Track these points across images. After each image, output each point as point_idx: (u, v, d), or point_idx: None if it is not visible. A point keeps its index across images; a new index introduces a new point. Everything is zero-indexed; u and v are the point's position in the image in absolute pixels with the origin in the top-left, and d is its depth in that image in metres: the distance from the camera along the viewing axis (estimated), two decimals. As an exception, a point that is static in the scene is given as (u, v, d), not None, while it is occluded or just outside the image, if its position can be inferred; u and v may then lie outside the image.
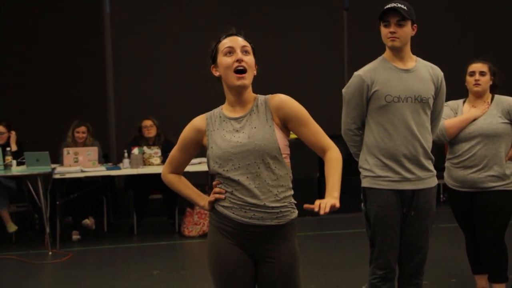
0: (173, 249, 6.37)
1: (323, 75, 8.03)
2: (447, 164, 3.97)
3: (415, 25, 3.10)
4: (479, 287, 4.11)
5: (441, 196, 7.89)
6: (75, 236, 6.59)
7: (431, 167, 3.17)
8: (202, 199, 2.54)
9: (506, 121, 3.78)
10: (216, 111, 2.52)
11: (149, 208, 7.10)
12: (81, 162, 6.41)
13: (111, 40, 8.01)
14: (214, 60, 2.48)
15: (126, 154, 6.51)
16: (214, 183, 2.47)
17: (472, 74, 3.85)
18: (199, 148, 2.52)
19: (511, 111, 3.78)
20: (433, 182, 3.18)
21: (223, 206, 2.41)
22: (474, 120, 3.81)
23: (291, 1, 7.82)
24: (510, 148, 3.81)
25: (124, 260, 5.85)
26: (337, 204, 2.21)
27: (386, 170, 3.09)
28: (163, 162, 6.71)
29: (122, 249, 6.35)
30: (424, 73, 3.14)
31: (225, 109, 2.49)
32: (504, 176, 3.77)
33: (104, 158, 7.10)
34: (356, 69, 3.20)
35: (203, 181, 6.88)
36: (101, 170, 6.46)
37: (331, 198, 2.23)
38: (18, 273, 5.55)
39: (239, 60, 2.36)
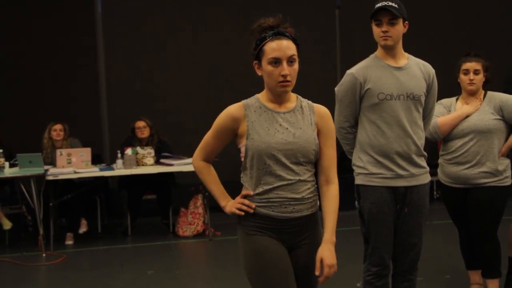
0: (167, 249, 6.36)
1: (315, 73, 8.03)
2: (440, 160, 3.99)
3: (406, 22, 3.11)
4: (472, 283, 4.12)
5: (435, 192, 7.92)
6: (69, 242, 6.55)
7: (424, 164, 3.19)
8: (224, 199, 2.55)
9: (498, 117, 3.80)
10: (253, 100, 2.48)
11: (143, 209, 7.10)
12: (74, 163, 6.39)
13: (103, 40, 7.98)
14: (258, 57, 2.42)
15: (119, 155, 6.49)
16: (244, 193, 2.45)
17: (466, 72, 3.85)
18: (233, 137, 2.49)
19: (503, 107, 3.79)
20: (426, 178, 3.19)
21: (261, 207, 2.41)
22: (467, 117, 3.83)
23: (282, 0, 7.83)
24: (503, 144, 3.83)
25: (119, 260, 5.84)
26: (335, 268, 2.41)
27: (379, 167, 3.10)
28: (156, 162, 6.70)
29: (116, 250, 6.33)
30: (416, 71, 3.15)
31: (264, 100, 2.47)
32: (497, 172, 3.78)
33: (97, 159, 7.08)
34: (349, 68, 3.20)
35: (196, 180, 6.86)
36: (95, 171, 6.45)
37: (330, 255, 2.40)
38: (11, 275, 5.53)
39: (284, 76, 2.34)
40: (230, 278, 5.04)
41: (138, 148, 6.65)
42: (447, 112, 3.93)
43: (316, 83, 7.90)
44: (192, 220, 6.76)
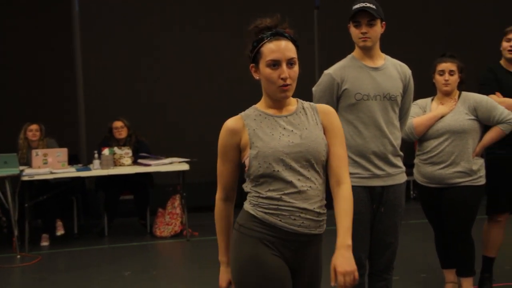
0: (145, 250, 6.34)
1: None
2: (416, 160, 4.03)
3: (384, 22, 3.13)
4: (447, 281, 4.17)
5: (411, 192, 7.99)
6: (44, 243, 6.48)
7: (400, 164, 3.21)
8: (224, 255, 2.39)
9: (473, 117, 3.85)
10: (250, 110, 2.33)
11: (120, 209, 7.04)
12: (50, 164, 6.32)
13: (80, 39, 7.91)
14: (255, 60, 2.27)
15: (96, 155, 6.44)
16: None
17: (442, 73, 3.90)
18: (239, 152, 2.30)
19: (477, 107, 3.84)
20: (402, 178, 3.22)
21: (267, 213, 2.22)
22: (442, 117, 3.87)
23: (261, 0, 7.84)
24: (477, 144, 3.88)
25: (95, 262, 5.80)
26: (354, 269, 2.21)
27: (356, 167, 3.12)
28: (133, 162, 6.67)
29: (92, 251, 6.28)
30: (393, 71, 3.18)
31: (263, 108, 2.31)
32: (471, 172, 3.83)
33: (74, 159, 7.02)
34: (327, 68, 3.22)
35: (174, 180, 6.86)
36: (71, 172, 6.39)
37: (345, 262, 2.19)
38: (-14, 277, 5.47)
39: (284, 79, 2.19)
40: (207, 279, 5.03)
41: (116, 149, 6.61)
42: (423, 112, 3.97)
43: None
44: (169, 221, 6.74)
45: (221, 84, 8.09)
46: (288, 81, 2.19)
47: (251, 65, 2.30)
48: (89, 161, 6.94)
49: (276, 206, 2.21)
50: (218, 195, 2.38)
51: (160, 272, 5.44)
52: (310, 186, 2.22)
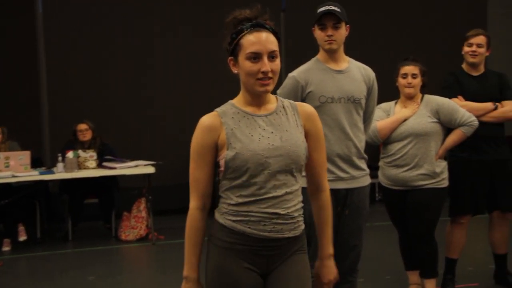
0: (109, 254, 6.25)
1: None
2: (380, 163, 4.06)
3: (348, 26, 3.15)
4: (411, 283, 4.21)
5: (376, 194, 8.06)
6: (6, 248, 6.35)
7: (364, 166, 3.24)
8: (194, 271, 2.19)
9: (435, 120, 3.90)
10: (227, 106, 2.16)
11: (84, 213, 6.95)
12: (12, 167, 6.20)
13: (44, 40, 7.77)
14: (233, 53, 2.11)
15: (60, 158, 6.34)
16: None
17: (405, 76, 3.95)
18: (216, 152, 2.12)
19: (439, 110, 3.89)
20: (366, 181, 3.24)
21: (236, 221, 2.09)
22: (405, 120, 3.92)
23: (229, 1, 7.83)
24: (440, 147, 3.93)
25: (58, 267, 5.71)
26: (336, 275, 2.29)
27: (320, 170, 3.12)
28: (98, 165, 6.58)
29: (56, 256, 6.18)
30: (357, 74, 3.20)
31: (240, 105, 2.15)
32: (434, 174, 3.88)
33: (37, 163, 6.89)
34: (293, 70, 3.22)
35: (139, 183, 6.80)
36: (34, 175, 6.27)
37: (327, 272, 2.29)
38: None
39: (265, 72, 2.04)
40: (173, 283, 4.97)
41: (80, 151, 6.51)
42: (386, 116, 4.01)
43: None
44: (135, 224, 6.67)
45: (188, 85, 8.03)
46: (270, 75, 2.05)
47: (230, 58, 2.14)
48: (53, 164, 6.83)
49: (245, 213, 2.08)
50: (194, 204, 2.14)
51: (125, 276, 5.38)
52: (286, 192, 2.10)
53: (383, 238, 5.82)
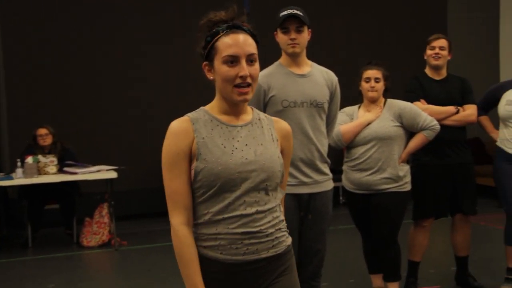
0: (70, 260, 6.13)
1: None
2: (344, 167, 4.07)
3: (310, 30, 3.14)
4: (374, 286, 4.22)
5: (341, 198, 8.10)
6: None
7: (327, 171, 3.23)
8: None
9: (398, 124, 3.92)
10: (200, 113, 1.97)
11: (45, 219, 6.81)
12: (-31, 173, 6.04)
13: (2, 43, 7.60)
14: (208, 57, 1.94)
15: (19, 163, 6.19)
16: None
17: (368, 80, 3.97)
18: (190, 161, 1.91)
19: (402, 114, 3.92)
20: (329, 185, 3.24)
21: (206, 248, 1.89)
22: (369, 124, 3.93)
23: (191, 6, 7.78)
24: (403, 151, 3.95)
25: (18, 274, 5.57)
26: None
27: (283, 175, 3.11)
28: (59, 171, 6.45)
29: (15, 263, 6.02)
30: (319, 78, 3.19)
31: (215, 112, 1.97)
32: (398, 178, 3.90)
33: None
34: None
35: (102, 188, 6.69)
36: (-8, 181, 6.12)
37: None
38: None
39: (243, 77, 1.87)
40: (136, 289, 4.91)
41: (40, 156, 6.38)
42: (350, 120, 4.02)
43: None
44: (97, 230, 6.56)
45: (152, 89, 7.94)
46: (248, 80, 1.87)
47: (204, 63, 1.96)
48: (12, 169, 6.68)
49: (214, 236, 1.88)
50: (178, 220, 1.89)
51: (86, 284, 5.26)
52: (256, 210, 1.89)
53: (347, 241, 5.85)
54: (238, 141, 1.93)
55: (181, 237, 1.88)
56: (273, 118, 2.08)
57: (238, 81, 1.87)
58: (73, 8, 7.75)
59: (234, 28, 1.91)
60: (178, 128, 1.91)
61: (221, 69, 1.89)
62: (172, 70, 7.92)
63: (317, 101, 3.14)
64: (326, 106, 3.19)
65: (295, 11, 3.07)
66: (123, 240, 6.52)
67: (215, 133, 1.92)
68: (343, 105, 3.68)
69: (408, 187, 3.97)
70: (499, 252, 4.52)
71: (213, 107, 1.99)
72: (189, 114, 1.96)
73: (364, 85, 4.00)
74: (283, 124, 2.08)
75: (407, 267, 4.33)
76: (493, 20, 8.31)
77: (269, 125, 2.03)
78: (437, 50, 4.23)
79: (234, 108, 1.96)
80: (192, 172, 1.89)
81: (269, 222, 1.93)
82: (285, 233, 2.00)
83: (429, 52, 4.26)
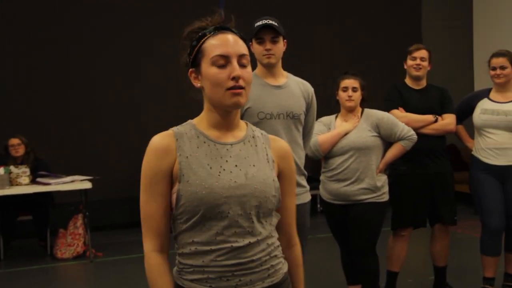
0: (44, 273, 6.01)
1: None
2: (322, 177, 4.04)
3: (285, 40, 3.11)
4: (353, 297, 4.20)
5: (318, 206, 8.08)
6: None
7: (305, 183, 3.19)
8: None
9: (375, 134, 3.90)
10: (186, 127, 1.76)
11: (17, 230, 6.67)
12: None
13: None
14: (194, 63, 1.75)
15: (-10, 174, 6.06)
16: None
17: (345, 89, 3.95)
18: (170, 183, 1.71)
19: (379, 124, 3.91)
20: (307, 197, 3.20)
21: (193, 281, 1.69)
22: (346, 134, 3.91)
23: (167, 7, 7.74)
24: (380, 161, 3.94)
25: (-11, 288, 5.44)
26: None
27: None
28: (32, 181, 6.33)
29: (-14, 277, 5.89)
30: (295, 89, 3.16)
31: (203, 127, 1.76)
32: (375, 189, 3.88)
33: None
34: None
35: (76, 198, 6.58)
36: (-38, 192, 5.97)
37: None
38: None
39: (235, 78, 1.67)
40: (111, 303, 4.82)
41: (12, 167, 6.25)
42: (327, 130, 4.00)
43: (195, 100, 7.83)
44: (71, 241, 6.45)
45: (127, 96, 7.84)
46: (241, 83, 1.67)
47: (190, 70, 1.76)
48: (-17, 180, 6.51)
49: (201, 269, 1.68)
50: (149, 246, 1.73)
51: (60, 297, 5.16)
52: (250, 242, 1.68)
53: (325, 250, 5.81)
54: (227, 161, 1.71)
55: (153, 266, 1.72)
56: (270, 136, 1.87)
57: (230, 83, 1.67)
58: (39, 17, 7.62)
59: (222, 29, 1.74)
60: (159, 144, 1.71)
61: (209, 72, 1.69)
62: (153, 78, 7.84)
63: (294, 113, 3.10)
64: (302, 117, 3.15)
65: (270, 21, 3.03)
66: (98, 252, 6.41)
67: (201, 151, 1.71)
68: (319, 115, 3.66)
69: (386, 198, 3.95)
70: (476, 261, 4.52)
71: (201, 121, 1.77)
72: (174, 128, 1.76)
73: (342, 95, 3.98)
74: (281, 143, 1.86)
75: (386, 278, 4.31)
76: (467, 28, 8.40)
77: (265, 144, 1.81)
78: (418, 61, 4.24)
79: (225, 120, 1.74)
80: (174, 196, 1.69)
81: (263, 250, 1.72)
82: (281, 259, 1.80)
83: (410, 62, 4.27)
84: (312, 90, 3.24)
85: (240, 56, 1.70)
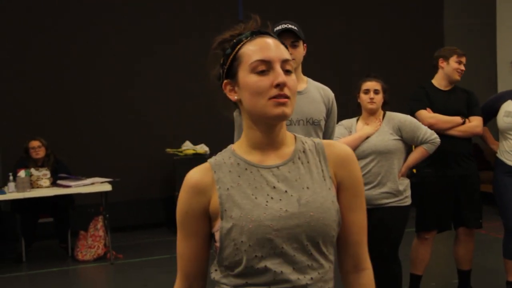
0: (65, 275, 6.04)
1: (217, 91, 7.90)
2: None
3: (305, 44, 3.07)
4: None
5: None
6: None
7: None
8: None
9: (397, 137, 3.84)
10: (225, 155, 1.54)
11: (39, 232, 6.71)
12: (-40, 187, 5.93)
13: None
14: (230, 73, 1.51)
15: (11, 177, 6.09)
16: None
17: (367, 92, 3.89)
18: (209, 221, 1.51)
19: (402, 127, 3.84)
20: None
21: None
22: (368, 137, 3.85)
23: (184, 8, 7.71)
24: (402, 165, 3.87)
25: (11, 291, 5.47)
26: None
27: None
28: (52, 183, 6.35)
29: (8, 279, 5.90)
30: (315, 95, 3.11)
31: (242, 152, 1.52)
32: (398, 193, 3.82)
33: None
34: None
35: (96, 200, 6.60)
36: (-16, 195, 6.01)
37: None
38: None
39: (280, 86, 1.43)
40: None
41: (33, 170, 6.27)
42: (348, 133, 3.94)
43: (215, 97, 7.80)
44: (92, 243, 6.46)
45: (145, 98, 7.84)
46: (286, 91, 1.44)
47: (225, 81, 1.52)
48: (4, 183, 6.56)
49: None
50: (176, 286, 1.58)
51: (81, 300, 5.17)
52: (312, 278, 1.44)
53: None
54: (274, 187, 1.47)
55: None
56: (325, 141, 1.58)
57: (274, 92, 1.42)
58: (58, 16, 7.64)
59: (260, 33, 1.51)
60: (193, 182, 1.50)
61: (249, 80, 1.44)
62: (172, 79, 7.83)
63: (314, 119, 3.05)
64: (322, 123, 3.10)
65: (290, 26, 2.99)
66: (118, 253, 6.42)
67: (243, 181, 1.48)
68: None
69: (408, 202, 3.88)
70: (500, 264, 4.44)
71: (241, 144, 1.54)
72: (211, 159, 1.54)
73: (363, 97, 3.92)
74: (338, 149, 1.56)
75: (409, 281, 4.24)
76: (490, 26, 8.26)
77: (318, 156, 1.53)
78: (462, 67, 4.22)
79: (269, 137, 1.49)
80: (217, 233, 1.47)
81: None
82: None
83: (455, 65, 4.21)
84: (333, 95, 3.19)
85: (284, 62, 1.46)
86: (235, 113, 3.03)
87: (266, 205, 1.44)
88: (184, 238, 1.53)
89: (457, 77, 4.21)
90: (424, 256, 4.23)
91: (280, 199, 1.45)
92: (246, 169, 1.49)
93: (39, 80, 7.50)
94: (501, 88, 4.95)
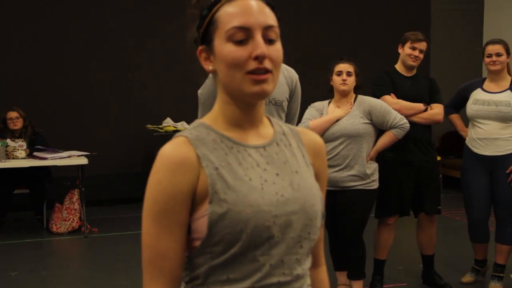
0: (38, 247, 6.03)
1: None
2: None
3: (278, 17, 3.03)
4: (340, 284, 4.18)
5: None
6: None
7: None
8: None
9: (367, 121, 3.85)
10: (201, 130, 1.27)
11: (15, 203, 6.68)
12: None
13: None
14: (205, 38, 1.28)
15: (-14, 147, 6.06)
16: None
17: (340, 73, 3.90)
18: (190, 207, 1.22)
19: (372, 111, 3.85)
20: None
21: None
22: (338, 120, 3.86)
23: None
24: (371, 148, 3.89)
25: (-18, 260, 5.46)
26: None
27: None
28: (29, 155, 6.32)
29: (-19, 249, 5.93)
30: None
31: (223, 130, 1.28)
32: (365, 176, 3.84)
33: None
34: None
35: (74, 173, 6.57)
36: (-43, 165, 5.98)
37: None
38: None
39: (259, 58, 1.20)
40: (103, 279, 4.82)
41: (9, 140, 6.23)
42: (319, 115, 3.95)
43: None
44: (67, 216, 6.46)
45: (124, 72, 7.78)
46: (267, 65, 1.21)
47: (200, 48, 1.29)
48: (-20, 153, 6.52)
49: None
50: None
51: (51, 272, 5.16)
52: (297, 274, 1.27)
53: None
54: (265, 169, 1.26)
55: None
56: (299, 128, 1.41)
57: (252, 65, 1.20)
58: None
59: None
60: (174, 157, 1.21)
61: (224, 50, 1.22)
62: (154, 56, 7.78)
63: (276, 99, 3.05)
64: (285, 104, 3.10)
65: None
66: (93, 227, 6.43)
67: (231, 159, 1.24)
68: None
69: (375, 185, 3.91)
70: (466, 248, 4.49)
71: (215, 120, 1.30)
72: (185, 133, 1.26)
73: (336, 79, 3.92)
74: (313, 136, 1.40)
75: (373, 265, 4.28)
76: (477, 12, 8.23)
77: (297, 142, 1.36)
78: (417, 53, 4.16)
79: (247, 114, 1.28)
80: (202, 221, 1.21)
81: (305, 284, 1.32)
82: None
83: (408, 50, 4.17)
84: (297, 76, 3.18)
85: (266, 28, 1.23)
86: (199, 91, 3.05)
87: (262, 188, 1.23)
88: (167, 231, 1.21)
89: (410, 62, 4.19)
90: (387, 242, 4.25)
91: (274, 182, 1.25)
92: (232, 147, 1.26)
93: (18, 53, 7.43)
94: (487, 73, 4.95)
